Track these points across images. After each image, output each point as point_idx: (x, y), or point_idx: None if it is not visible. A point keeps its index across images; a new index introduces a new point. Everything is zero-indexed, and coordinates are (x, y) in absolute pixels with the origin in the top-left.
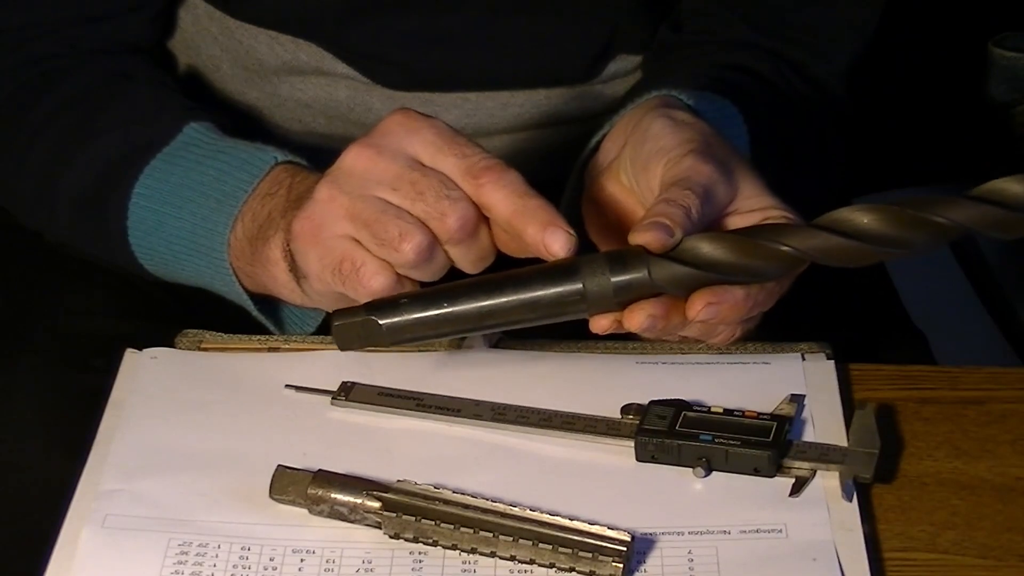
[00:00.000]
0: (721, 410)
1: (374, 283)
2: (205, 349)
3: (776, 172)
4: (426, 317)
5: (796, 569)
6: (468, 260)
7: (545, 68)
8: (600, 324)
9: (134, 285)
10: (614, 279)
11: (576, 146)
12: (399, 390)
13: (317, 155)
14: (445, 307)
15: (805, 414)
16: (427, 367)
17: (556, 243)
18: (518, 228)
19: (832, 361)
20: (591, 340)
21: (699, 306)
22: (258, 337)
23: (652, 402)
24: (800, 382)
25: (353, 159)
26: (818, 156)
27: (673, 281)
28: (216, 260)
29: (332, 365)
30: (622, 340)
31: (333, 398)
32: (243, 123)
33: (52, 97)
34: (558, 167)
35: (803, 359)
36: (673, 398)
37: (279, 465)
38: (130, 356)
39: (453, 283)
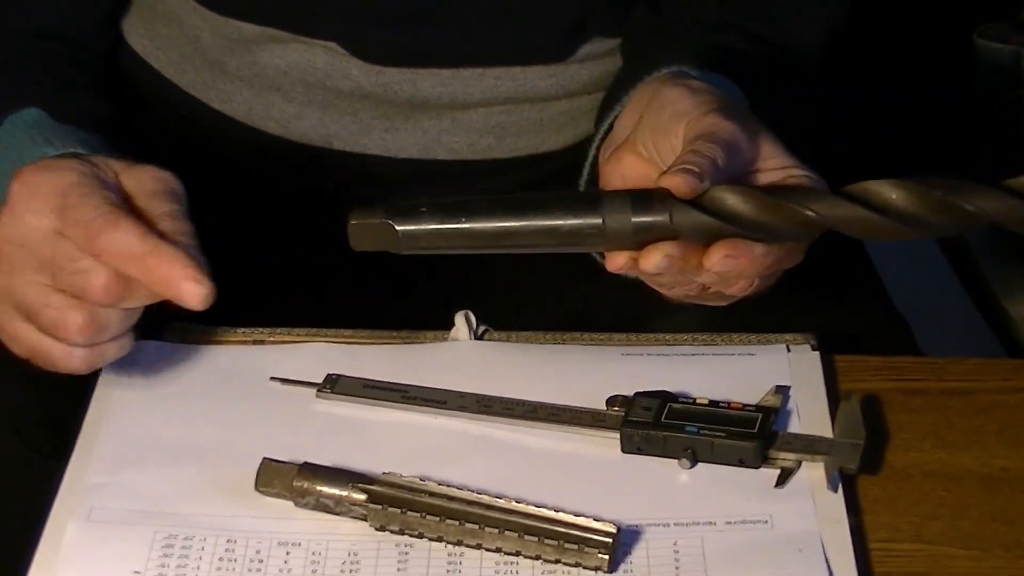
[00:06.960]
0: (706, 401)
1: (72, 365)
2: (190, 341)
3: None
4: (443, 229)
5: (782, 560)
6: (145, 299)
7: (516, 47)
8: (616, 262)
9: None
10: (635, 219)
11: (554, 122)
12: (384, 382)
13: (298, 121)
14: (463, 222)
15: (790, 405)
16: (412, 359)
17: (192, 297)
18: (148, 283)
19: (817, 352)
20: (577, 332)
21: (716, 257)
22: (243, 330)
23: (637, 394)
24: (785, 373)
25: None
26: (802, 136)
27: (693, 228)
28: None
29: (317, 358)
30: (607, 332)
31: (318, 390)
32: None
33: None
34: (536, 142)
35: (788, 350)
36: (658, 389)
37: (264, 458)
38: None
39: (475, 198)
